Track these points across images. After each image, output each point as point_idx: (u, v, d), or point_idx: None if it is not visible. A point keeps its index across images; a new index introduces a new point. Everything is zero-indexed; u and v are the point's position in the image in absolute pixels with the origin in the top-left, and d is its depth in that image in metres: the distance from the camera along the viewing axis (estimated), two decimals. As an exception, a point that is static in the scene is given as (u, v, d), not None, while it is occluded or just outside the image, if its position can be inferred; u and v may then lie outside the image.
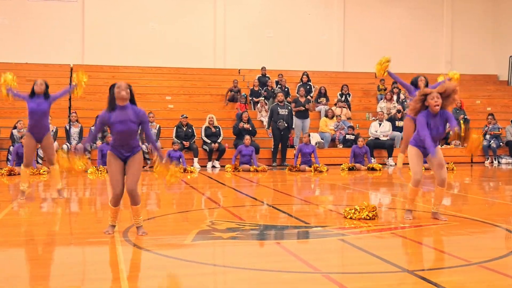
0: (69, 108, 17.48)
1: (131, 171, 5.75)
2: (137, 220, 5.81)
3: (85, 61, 20.26)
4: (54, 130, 14.91)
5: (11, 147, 14.15)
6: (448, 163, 14.95)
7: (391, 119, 17.65)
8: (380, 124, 16.86)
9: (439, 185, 6.68)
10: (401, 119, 17.78)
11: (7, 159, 14.05)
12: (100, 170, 13.65)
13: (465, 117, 18.91)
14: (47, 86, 9.02)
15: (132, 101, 5.81)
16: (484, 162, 17.35)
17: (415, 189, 6.73)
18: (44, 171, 13.29)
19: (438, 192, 6.76)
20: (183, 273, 4.34)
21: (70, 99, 18.19)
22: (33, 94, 8.72)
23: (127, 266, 4.61)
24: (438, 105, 6.28)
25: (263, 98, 18.57)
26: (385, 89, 20.01)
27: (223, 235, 5.91)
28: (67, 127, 15.22)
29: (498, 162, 17.19)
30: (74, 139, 15.16)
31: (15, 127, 14.82)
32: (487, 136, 17.79)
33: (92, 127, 15.21)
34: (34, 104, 8.61)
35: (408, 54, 23.21)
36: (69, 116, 15.69)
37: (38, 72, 19.35)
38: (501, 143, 17.66)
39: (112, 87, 5.76)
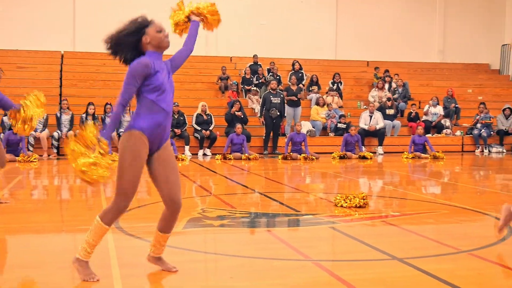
0: (60, 95, 17.39)
1: (173, 173, 3.97)
2: (161, 248, 4.17)
3: (76, 48, 20.15)
4: (44, 117, 14.83)
5: (2, 134, 14.07)
6: (437, 152, 15.06)
7: (381, 108, 17.67)
8: (370, 117, 16.83)
9: None
10: (391, 107, 17.84)
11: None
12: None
13: (456, 105, 18.99)
14: None
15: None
16: (474, 151, 17.44)
17: None
18: (35, 159, 13.25)
19: None
20: (173, 260, 4.34)
21: (61, 86, 18.11)
22: None
23: (117, 253, 4.62)
24: None
25: (254, 88, 18.54)
26: (381, 78, 20.03)
27: (214, 222, 5.93)
28: (58, 115, 15.13)
29: (489, 151, 17.29)
30: (65, 126, 15.09)
31: (5, 115, 14.73)
32: (478, 125, 17.88)
33: (87, 115, 15.16)
34: None
35: (400, 43, 23.26)
36: (60, 103, 15.59)
37: (28, 58, 19.27)
38: (492, 132, 17.74)
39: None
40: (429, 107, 18.55)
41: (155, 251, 4.11)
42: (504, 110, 18.04)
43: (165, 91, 3.89)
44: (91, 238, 3.81)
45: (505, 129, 17.61)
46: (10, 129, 13.78)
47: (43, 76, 18.61)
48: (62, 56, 19.83)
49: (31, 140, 14.53)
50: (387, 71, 20.68)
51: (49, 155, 14.60)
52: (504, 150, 17.27)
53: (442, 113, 18.45)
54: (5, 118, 14.57)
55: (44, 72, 18.84)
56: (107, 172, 3.75)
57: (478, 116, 18.13)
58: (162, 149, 3.97)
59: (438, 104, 18.63)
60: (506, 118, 17.78)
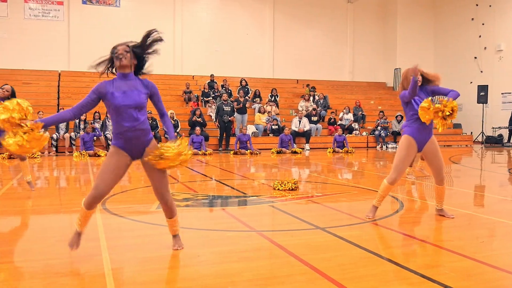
0: (58, 105, 16.89)
1: (157, 172, 3.55)
2: (175, 227, 3.86)
3: (70, 68, 19.58)
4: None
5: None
6: (349, 148, 15.33)
7: (308, 115, 17.88)
8: (299, 121, 17.02)
9: (438, 183, 5.03)
10: (315, 114, 18.06)
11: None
12: (83, 154, 13.28)
13: (362, 113, 19.40)
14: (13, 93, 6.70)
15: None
16: (376, 147, 17.86)
17: (390, 187, 4.88)
18: (38, 155, 12.80)
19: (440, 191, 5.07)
20: (149, 234, 4.28)
21: (58, 98, 17.56)
22: None
23: (105, 228, 4.52)
24: (420, 80, 4.77)
25: (211, 99, 18.46)
26: (311, 91, 20.42)
27: (180, 203, 5.87)
28: (56, 121, 14.65)
29: (386, 147, 17.76)
30: (61, 129, 14.67)
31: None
32: (379, 128, 18.32)
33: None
34: None
35: (321, 65, 23.62)
36: (57, 111, 15.12)
37: (32, 76, 18.61)
38: (388, 133, 18.22)
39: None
40: (343, 114, 18.89)
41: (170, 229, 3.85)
42: (396, 116, 18.59)
43: (123, 110, 3.37)
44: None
45: (398, 130, 18.15)
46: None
47: (44, 90, 18.04)
48: (59, 74, 19.23)
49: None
50: (313, 87, 20.98)
51: (49, 153, 14.14)
52: (397, 146, 17.71)
53: (352, 119, 18.82)
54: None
55: (44, 87, 18.26)
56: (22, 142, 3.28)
57: (379, 121, 18.59)
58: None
59: (349, 112, 18.99)
60: (398, 122, 18.32)
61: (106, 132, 14.85)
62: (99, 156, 13.27)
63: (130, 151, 3.52)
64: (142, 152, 3.54)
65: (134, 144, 3.49)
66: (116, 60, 3.45)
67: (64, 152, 14.38)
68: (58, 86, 18.44)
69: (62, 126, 14.64)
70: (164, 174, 3.59)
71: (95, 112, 15.21)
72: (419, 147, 4.85)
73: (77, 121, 14.75)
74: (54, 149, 14.36)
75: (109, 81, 3.48)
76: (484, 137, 20.08)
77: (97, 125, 15.03)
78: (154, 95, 3.58)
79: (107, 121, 15.02)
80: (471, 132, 20.85)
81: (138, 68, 3.59)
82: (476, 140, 20.65)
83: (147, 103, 3.51)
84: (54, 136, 14.32)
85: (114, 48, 3.50)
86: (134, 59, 3.53)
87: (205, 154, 13.94)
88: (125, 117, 3.41)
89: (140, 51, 3.53)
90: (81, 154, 13.27)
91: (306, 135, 16.78)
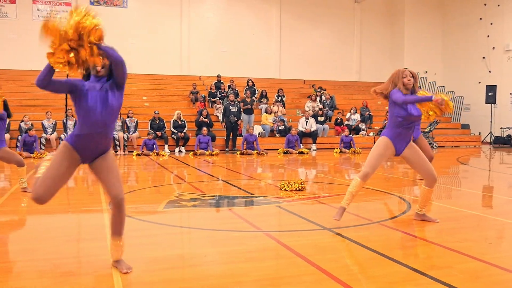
0: (66, 105, 16.96)
1: (114, 174, 3.26)
2: (121, 249, 3.36)
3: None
4: (53, 123, 14.47)
5: (19, 136, 13.65)
6: (356, 148, 15.25)
7: (315, 116, 17.85)
8: (306, 122, 16.99)
9: (428, 185, 4.79)
10: (321, 115, 18.03)
11: (16, 146, 13.54)
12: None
13: (369, 113, 19.34)
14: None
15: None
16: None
17: (361, 183, 4.63)
18: (46, 156, 12.90)
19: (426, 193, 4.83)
20: (156, 233, 4.29)
21: (66, 99, 17.64)
22: None
23: (112, 228, 4.53)
24: (411, 82, 4.55)
25: (218, 99, 18.49)
26: (318, 91, 20.38)
27: (187, 203, 5.88)
28: (64, 121, 14.76)
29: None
30: (70, 130, 14.74)
31: (22, 121, 14.34)
32: (386, 128, 18.23)
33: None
34: None
35: (328, 65, 23.57)
36: (66, 112, 15.21)
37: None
38: (395, 133, 18.09)
39: None
40: (350, 115, 18.84)
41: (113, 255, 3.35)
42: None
43: (91, 111, 3.13)
44: None
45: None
46: (26, 132, 13.39)
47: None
48: (67, 75, 19.31)
49: (43, 141, 14.15)
50: (320, 87, 20.96)
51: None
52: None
53: (359, 119, 18.77)
54: (22, 124, 14.14)
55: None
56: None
57: (386, 121, 18.50)
58: (100, 160, 3.28)
59: (356, 112, 18.93)
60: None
61: (114, 132, 14.95)
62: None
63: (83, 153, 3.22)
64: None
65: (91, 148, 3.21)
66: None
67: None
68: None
69: (71, 127, 14.74)
70: (114, 167, 3.27)
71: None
72: (397, 152, 4.61)
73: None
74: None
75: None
76: (493, 137, 19.94)
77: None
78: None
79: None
80: (479, 133, 20.71)
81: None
82: (484, 140, 20.51)
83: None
84: (62, 136, 14.40)
85: None
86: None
87: (211, 155, 13.96)
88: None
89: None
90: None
91: (313, 135, 16.75)
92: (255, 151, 14.28)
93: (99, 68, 3.19)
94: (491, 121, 19.87)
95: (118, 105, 3.22)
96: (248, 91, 18.18)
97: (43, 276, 3.19)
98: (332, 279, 3.13)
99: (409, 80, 4.55)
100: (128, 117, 15.37)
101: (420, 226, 4.73)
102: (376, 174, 9.84)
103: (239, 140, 15.77)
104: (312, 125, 16.93)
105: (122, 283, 3.05)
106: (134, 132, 15.23)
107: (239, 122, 15.80)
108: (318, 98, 19.72)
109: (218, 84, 19.39)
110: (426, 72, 23.59)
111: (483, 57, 21.57)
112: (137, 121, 15.44)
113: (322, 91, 20.36)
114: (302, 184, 6.94)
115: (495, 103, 19.74)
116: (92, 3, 20.15)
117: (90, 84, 3.21)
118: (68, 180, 3.30)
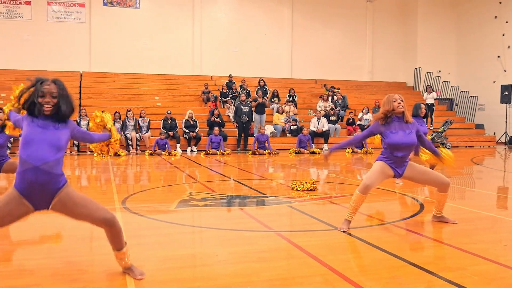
0: (80, 105, 17.11)
1: (87, 203, 3.08)
2: (125, 259, 3.19)
3: (92, 69, 19.84)
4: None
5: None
6: (368, 148, 15.17)
7: (326, 115, 17.79)
8: (318, 121, 16.94)
9: (441, 191, 4.76)
10: (333, 114, 17.96)
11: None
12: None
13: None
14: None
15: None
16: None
17: (362, 196, 4.52)
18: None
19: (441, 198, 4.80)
20: (168, 233, 4.31)
21: (80, 99, 17.81)
22: None
23: (126, 227, 4.56)
24: (401, 106, 4.51)
25: (230, 99, 18.51)
26: (330, 91, 20.33)
27: (199, 203, 5.90)
28: (78, 120, 14.90)
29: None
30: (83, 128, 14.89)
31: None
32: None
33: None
34: None
35: (340, 65, 23.46)
36: (79, 112, 15.34)
37: (54, 77, 18.83)
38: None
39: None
40: (362, 115, 18.75)
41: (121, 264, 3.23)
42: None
43: (32, 144, 2.85)
44: None
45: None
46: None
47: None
48: (81, 75, 19.49)
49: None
50: (332, 87, 20.89)
51: (71, 152, 14.34)
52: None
53: (372, 119, 18.65)
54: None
55: (66, 87, 18.49)
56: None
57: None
58: (59, 203, 3.02)
59: (368, 112, 18.83)
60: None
61: (126, 132, 15.02)
62: (119, 155, 13.42)
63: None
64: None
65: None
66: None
67: (86, 151, 14.58)
68: (80, 86, 18.69)
69: (84, 126, 14.86)
70: (81, 198, 3.08)
71: (115, 112, 15.38)
72: (398, 174, 4.57)
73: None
74: (76, 148, 14.58)
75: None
76: (508, 137, 19.69)
77: (117, 125, 15.20)
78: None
79: (127, 121, 15.18)
80: (494, 133, 20.47)
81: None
82: (499, 140, 20.27)
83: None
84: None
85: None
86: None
87: (223, 154, 13.99)
88: None
89: None
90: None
91: (325, 135, 16.70)
92: (266, 151, 14.27)
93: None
94: (506, 121, 19.63)
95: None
96: (259, 91, 18.18)
97: (57, 274, 3.22)
98: (344, 279, 3.11)
99: (399, 104, 4.52)
100: (140, 116, 15.47)
101: (433, 227, 4.69)
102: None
103: (251, 140, 15.77)
104: (324, 125, 16.87)
105: (134, 282, 3.07)
106: (147, 131, 15.32)
107: (251, 125, 15.81)
108: (330, 98, 19.65)
109: (229, 84, 19.41)
110: (440, 71, 23.38)
111: (498, 56, 21.31)
112: (149, 120, 15.53)
113: (335, 90, 20.28)
114: (313, 184, 6.92)
115: (510, 102, 19.49)
116: (105, 4, 20.31)
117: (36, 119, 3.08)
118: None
